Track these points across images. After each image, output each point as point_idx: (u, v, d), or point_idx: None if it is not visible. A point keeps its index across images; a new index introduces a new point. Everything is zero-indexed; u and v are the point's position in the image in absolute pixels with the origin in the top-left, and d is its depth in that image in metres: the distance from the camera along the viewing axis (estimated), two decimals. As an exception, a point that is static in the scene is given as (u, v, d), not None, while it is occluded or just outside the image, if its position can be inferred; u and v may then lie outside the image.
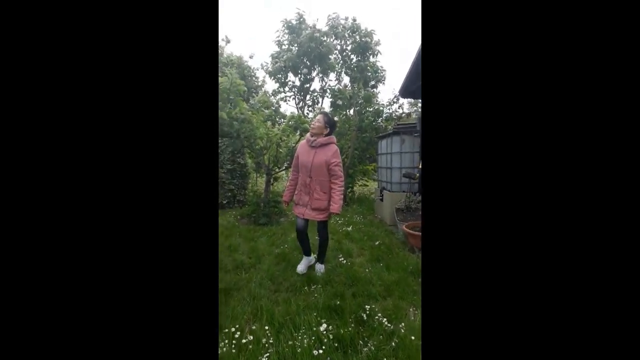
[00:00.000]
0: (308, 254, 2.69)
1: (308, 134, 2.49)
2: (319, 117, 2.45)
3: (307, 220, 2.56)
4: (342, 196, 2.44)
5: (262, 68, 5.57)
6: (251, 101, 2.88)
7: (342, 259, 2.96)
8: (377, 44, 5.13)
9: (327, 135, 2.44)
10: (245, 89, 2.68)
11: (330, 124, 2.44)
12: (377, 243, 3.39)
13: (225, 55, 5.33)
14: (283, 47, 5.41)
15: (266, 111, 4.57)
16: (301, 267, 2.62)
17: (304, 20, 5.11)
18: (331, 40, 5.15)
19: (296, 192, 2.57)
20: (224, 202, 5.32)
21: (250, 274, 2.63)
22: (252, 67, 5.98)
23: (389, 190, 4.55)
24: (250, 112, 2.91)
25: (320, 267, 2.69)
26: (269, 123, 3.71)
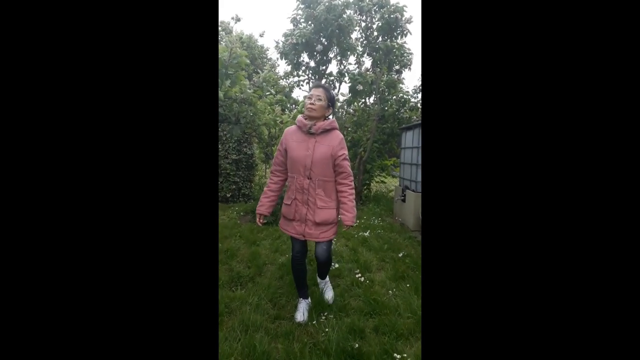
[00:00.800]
0: (306, 295, 1.91)
1: (300, 117, 1.73)
2: (318, 91, 1.67)
3: (306, 244, 1.83)
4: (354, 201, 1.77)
5: (276, 48, 4.99)
6: (255, 78, 2.34)
7: (359, 274, 2.43)
8: (409, 21, 4.44)
9: (327, 117, 1.73)
10: (248, 61, 2.14)
11: (332, 102, 1.72)
12: (400, 255, 2.83)
13: (234, 34, 4.77)
14: (299, 25, 4.81)
15: (277, 95, 4.03)
16: (300, 316, 1.80)
17: (322, -8, 4.47)
18: (355, 13, 4.49)
19: (287, 202, 1.75)
20: (228, 195, 4.86)
21: (247, 291, 2.14)
22: (263, 47, 5.40)
23: (413, 190, 3.96)
24: (252, 92, 2.36)
25: (328, 293, 2.03)
26: (277, 108, 3.18)
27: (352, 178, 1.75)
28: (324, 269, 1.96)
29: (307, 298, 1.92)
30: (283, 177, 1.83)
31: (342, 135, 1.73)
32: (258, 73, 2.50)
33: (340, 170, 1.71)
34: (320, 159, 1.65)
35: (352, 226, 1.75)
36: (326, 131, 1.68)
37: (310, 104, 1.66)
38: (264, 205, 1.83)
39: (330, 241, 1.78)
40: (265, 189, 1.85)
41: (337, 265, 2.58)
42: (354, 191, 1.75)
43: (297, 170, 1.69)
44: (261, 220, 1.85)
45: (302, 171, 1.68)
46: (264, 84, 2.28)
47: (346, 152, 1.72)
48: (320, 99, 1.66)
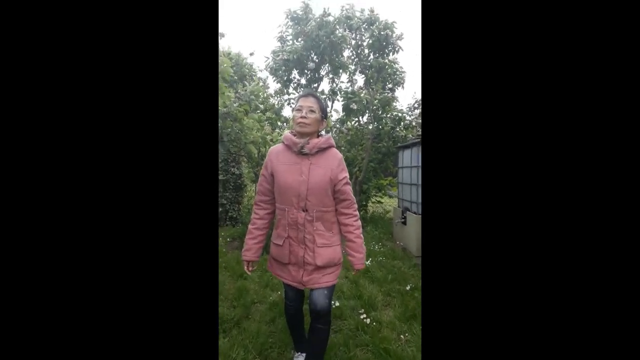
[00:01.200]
0: (303, 348, 1.57)
1: (288, 134, 1.37)
2: (309, 102, 1.31)
3: (303, 293, 1.49)
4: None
5: (266, 68, 4.82)
6: (240, 91, 2.07)
7: (364, 315, 2.08)
8: (399, 37, 4.36)
9: (321, 132, 1.40)
10: (232, 71, 1.88)
11: (325, 114, 1.39)
12: (408, 288, 2.51)
13: (220, 51, 4.57)
14: (287, 43, 4.68)
15: (267, 113, 3.78)
16: None
17: (311, 9, 4.38)
18: (344, 31, 4.39)
19: (277, 242, 1.37)
20: (213, 220, 4.49)
21: (231, 340, 1.77)
22: (253, 66, 5.23)
23: (414, 212, 3.69)
24: (237, 105, 2.08)
25: None
26: (266, 125, 2.92)
27: (356, 206, 1.40)
28: (321, 339, 1.37)
29: (304, 350, 1.56)
30: (270, 210, 1.43)
31: (340, 154, 1.38)
32: (245, 85, 2.24)
33: (342, 198, 1.34)
34: (318, 186, 1.28)
35: (362, 269, 1.41)
36: (322, 150, 1.32)
37: (302, 117, 1.29)
38: (251, 250, 1.41)
39: (333, 286, 1.37)
40: (249, 227, 1.44)
41: (337, 304, 2.23)
42: (360, 223, 1.40)
43: (289, 201, 1.31)
44: (250, 268, 1.44)
45: (296, 202, 1.29)
46: (252, 97, 2.02)
47: (347, 174, 1.38)
48: (313, 111, 1.30)
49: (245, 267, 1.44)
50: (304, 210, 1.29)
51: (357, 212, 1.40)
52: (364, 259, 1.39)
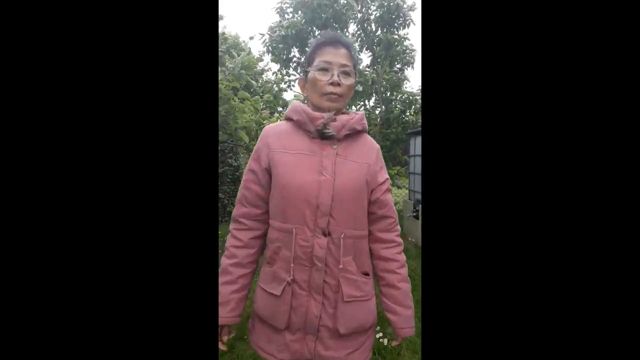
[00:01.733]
0: None
1: (297, 104, 0.79)
2: (341, 55, 0.75)
3: None
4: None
5: (263, 44, 4.35)
6: (228, 64, 1.68)
7: (380, 334, 1.76)
8: (411, 8, 3.89)
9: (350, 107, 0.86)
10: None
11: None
12: (428, 296, 2.18)
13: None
14: (286, 15, 4.22)
15: (264, 95, 3.38)
16: None
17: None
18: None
19: (272, 290, 0.75)
20: (209, 214, 4.18)
21: (222, 372, 1.46)
22: (251, 49, 4.77)
23: (429, 205, 3.33)
24: (228, 81, 1.69)
25: None
26: (262, 107, 2.53)
27: (399, 228, 0.86)
28: None
29: None
30: (261, 231, 0.81)
31: (377, 144, 0.87)
32: (233, 56, 1.85)
33: (380, 213, 0.80)
34: (350, 191, 0.74)
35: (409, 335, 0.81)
36: (354, 134, 0.78)
37: (332, 84, 0.74)
38: (229, 304, 0.74)
39: None
40: (224, 261, 0.78)
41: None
42: (405, 257, 0.84)
43: (298, 217, 0.73)
44: (226, 336, 0.78)
45: (311, 218, 0.72)
46: (242, 71, 1.63)
47: (388, 176, 0.85)
48: (347, 73, 0.75)
49: (221, 336, 0.77)
50: (324, 234, 0.73)
51: (400, 239, 0.84)
52: (412, 319, 0.80)
